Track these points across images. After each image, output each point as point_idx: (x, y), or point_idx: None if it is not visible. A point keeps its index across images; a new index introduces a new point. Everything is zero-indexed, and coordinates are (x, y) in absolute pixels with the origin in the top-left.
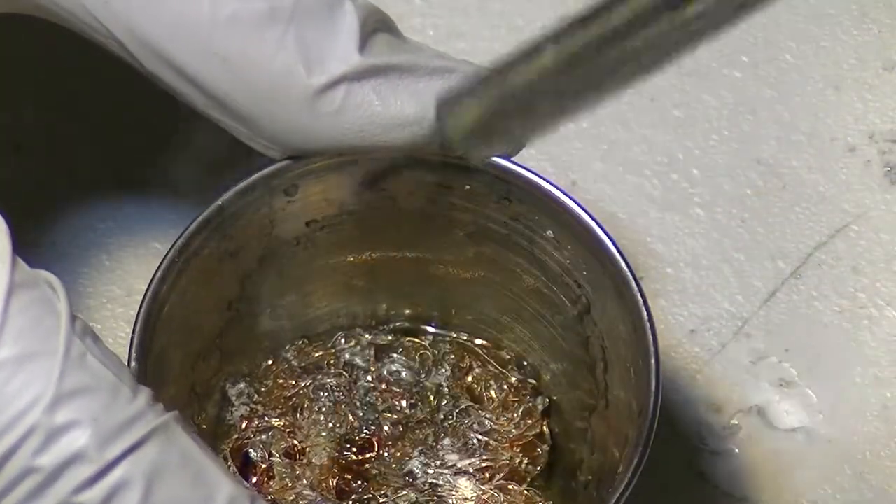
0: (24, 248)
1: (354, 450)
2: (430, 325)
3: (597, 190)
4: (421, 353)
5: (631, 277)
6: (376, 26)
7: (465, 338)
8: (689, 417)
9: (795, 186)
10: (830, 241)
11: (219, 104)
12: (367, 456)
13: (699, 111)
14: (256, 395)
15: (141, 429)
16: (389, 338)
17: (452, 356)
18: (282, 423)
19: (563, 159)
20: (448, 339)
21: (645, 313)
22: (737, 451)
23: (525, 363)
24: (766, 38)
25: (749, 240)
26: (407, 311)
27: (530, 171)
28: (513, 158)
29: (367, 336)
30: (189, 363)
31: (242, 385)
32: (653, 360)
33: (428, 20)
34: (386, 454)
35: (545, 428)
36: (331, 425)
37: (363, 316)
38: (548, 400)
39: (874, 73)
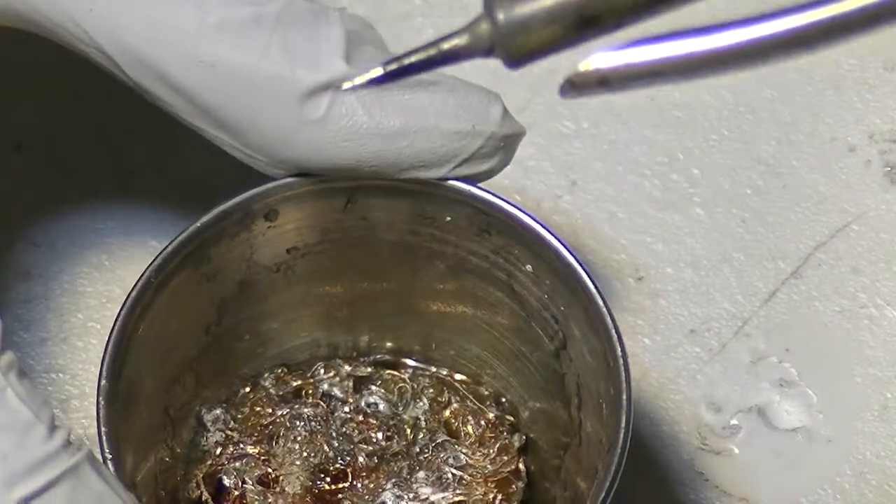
0: (24, 247)
1: (328, 479)
2: (410, 359)
3: (597, 190)
4: (400, 387)
5: (606, 312)
6: (362, 39)
7: (444, 372)
8: (689, 417)
9: (795, 186)
10: (830, 241)
11: (204, 113)
12: (341, 485)
13: (699, 111)
14: (232, 422)
15: (53, 469)
16: (369, 370)
17: (431, 390)
18: (256, 451)
19: (563, 159)
20: (428, 373)
21: (619, 349)
22: (737, 451)
23: (503, 400)
24: None
25: (749, 240)
26: (388, 344)
27: (510, 204)
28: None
29: (346, 367)
30: (164, 386)
31: (218, 411)
32: (624, 396)
33: (428, 20)
34: (359, 485)
35: (521, 465)
36: (305, 454)
37: (344, 347)
38: (524, 437)
39: (874, 73)
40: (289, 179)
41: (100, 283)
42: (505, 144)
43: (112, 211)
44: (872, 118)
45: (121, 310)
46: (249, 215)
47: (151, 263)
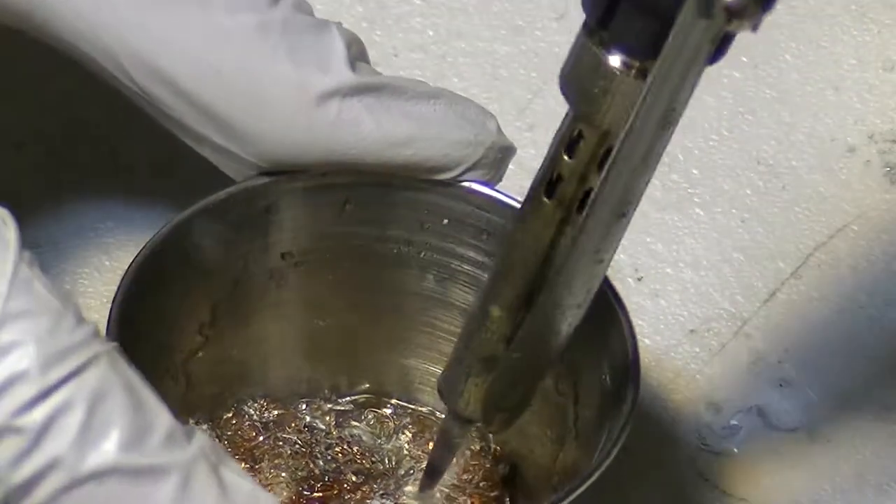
0: (23, 247)
1: (317, 488)
2: (392, 398)
3: None
4: (382, 422)
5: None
6: (357, 56)
7: (426, 410)
8: (689, 417)
9: (795, 186)
10: (830, 241)
11: (210, 119)
12: (329, 493)
13: (699, 111)
14: (218, 440)
15: (85, 354)
16: (350, 406)
17: (413, 427)
18: (242, 467)
19: None
20: (409, 410)
21: (621, 314)
22: (737, 451)
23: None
24: (766, 38)
25: (749, 240)
26: (368, 385)
27: (509, 196)
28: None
29: (327, 405)
30: (158, 373)
31: (205, 427)
32: (630, 347)
33: (428, 20)
34: (347, 496)
35: (506, 498)
36: (293, 469)
37: (325, 387)
38: (508, 467)
39: (874, 73)
40: (290, 173)
41: (100, 283)
42: (501, 156)
43: (112, 211)
44: (872, 118)
45: (122, 279)
46: (251, 206)
47: (150, 240)
